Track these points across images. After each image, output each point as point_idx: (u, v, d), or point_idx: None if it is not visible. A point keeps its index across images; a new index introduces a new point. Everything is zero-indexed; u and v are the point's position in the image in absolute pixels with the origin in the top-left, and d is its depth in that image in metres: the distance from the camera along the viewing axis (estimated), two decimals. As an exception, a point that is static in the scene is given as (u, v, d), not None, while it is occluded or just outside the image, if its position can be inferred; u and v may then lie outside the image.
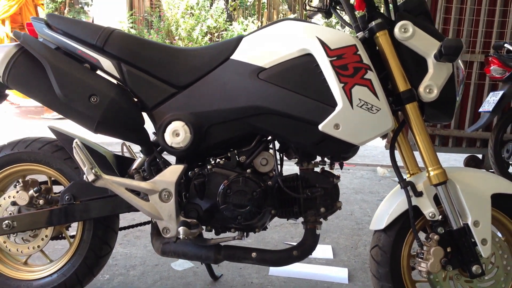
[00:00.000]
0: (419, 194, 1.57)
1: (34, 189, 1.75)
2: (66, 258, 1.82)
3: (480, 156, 4.58)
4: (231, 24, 11.53)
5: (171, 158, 1.74)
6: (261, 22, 13.06)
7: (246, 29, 11.48)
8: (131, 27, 10.62)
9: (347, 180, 3.89)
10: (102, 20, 10.39)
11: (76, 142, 1.63)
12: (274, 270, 2.20)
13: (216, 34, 11.25)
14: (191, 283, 2.07)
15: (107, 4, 10.53)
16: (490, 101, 3.91)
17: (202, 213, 1.67)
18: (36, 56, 1.64)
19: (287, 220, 1.78)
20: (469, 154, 4.54)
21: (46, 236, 1.78)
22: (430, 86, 1.54)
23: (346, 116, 1.50)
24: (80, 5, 11.89)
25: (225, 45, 1.67)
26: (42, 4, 7.48)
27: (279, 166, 1.70)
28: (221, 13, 11.18)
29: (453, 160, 4.74)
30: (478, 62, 4.41)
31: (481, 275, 1.55)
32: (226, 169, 1.67)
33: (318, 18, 2.04)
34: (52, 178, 1.84)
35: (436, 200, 1.57)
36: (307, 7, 1.93)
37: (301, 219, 1.73)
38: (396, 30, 1.54)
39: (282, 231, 2.70)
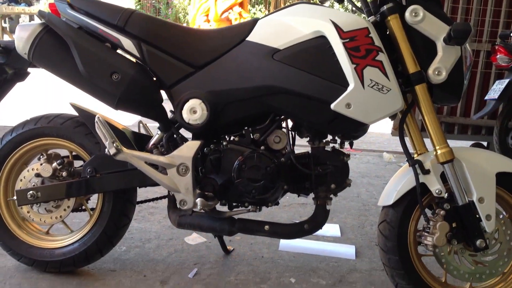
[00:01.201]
0: (426, 172, 1.64)
1: (58, 161, 1.83)
2: (87, 228, 1.90)
3: (485, 143, 4.64)
4: (238, 12, 11.53)
5: (188, 135, 1.81)
6: (268, 11, 13.05)
7: (253, 17, 11.50)
8: (139, 13, 10.65)
9: (353, 165, 3.95)
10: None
11: (98, 117, 1.70)
12: (284, 246, 2.28)
13: (223, 22, 11.27)
14: (204, 256, 2.15)
15: (115, -11, 10.58)
16: (496, 89, 3.95)
17: (217, 187, 1.74)
18: (61, 35, 1.71)
19: (298, 196, 1.85)
20: (475, 142, 4.59)
21: (68, 207, 1.86)
22: (439, 69, 1.60)
23: (358, 96, 1.57)
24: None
25: (241, 27, 1.73)
26: None
27: (291, 144, 1.77)
28: (229, 0, 11.19)
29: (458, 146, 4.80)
30: (485, 51, 4.45)
31: (485, 249, 1.62)
32: (241, 146, 1.74)
33: (328, 3, 2.09)
34: (73, 153, 1.92)
35: (443, 178, 1.63)
36: (320, -7, 1.99)
37: (310, 198, 1.81)
38: (407, 14, 1.60)
39: (291, 211, 2.78)
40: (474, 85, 4.49)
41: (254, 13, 11.78)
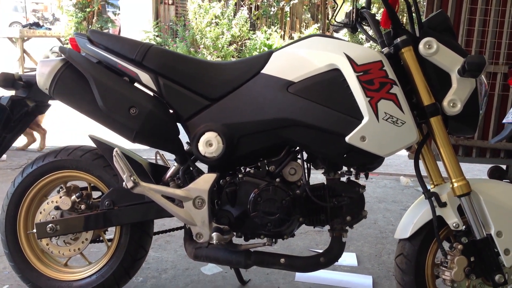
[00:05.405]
0: (443, 205, 1.63)
1: (76, 194, 1.86)
2: (105, 261, 1.92)
3: (504, 166, 4.57)
4: (254, 33, 11.66)
5: (204, 167, 1.82)
6: (284, 31, 13.16)
7: (269, 38, 11.59)
8: (157, 36, 10.82)
9: (370, 189, 3.93)
10: (129, 29, 10.64)
11: (116, 151, 1.73)
12: (300, 276, 2.26)
13: (240, 43, 11.39)
14: (220, 286, 2.15)
15: (134, 13, 10.79)
16: (514, 112, 3.91)
17: (233, 220, 1.75)
18: (81, 70, 1.75)
19: (313, 227, 1.85)
20: (493, 165, 4.53)
21: (86, 239, 1.89)
22: (454, 101, 1.60)
23: (372, 129, 1.57)
24: (107, 14, 12.16)
25: (256, 60, 1.75)
26: None
27: (307, 176, 1.78)
28: (245, 22, 11.31)
29: (476, 170, 4.74)
30: (502, 73, 4.41)
31: (504, 284, 1.60)
32: (256, 178, 1.75)
33: (343, 33, 2.11)
34: (92, 184, 1.95)
35: (460, 210, 1.62)
36: (333, 23, 2.01)
37: (327, 227, 1.80)
38: (421, 46, 1.61)
39: (307, 238, 2.77)
40: (491, 108, 4.43)
41: (270, 34, 11.87)
